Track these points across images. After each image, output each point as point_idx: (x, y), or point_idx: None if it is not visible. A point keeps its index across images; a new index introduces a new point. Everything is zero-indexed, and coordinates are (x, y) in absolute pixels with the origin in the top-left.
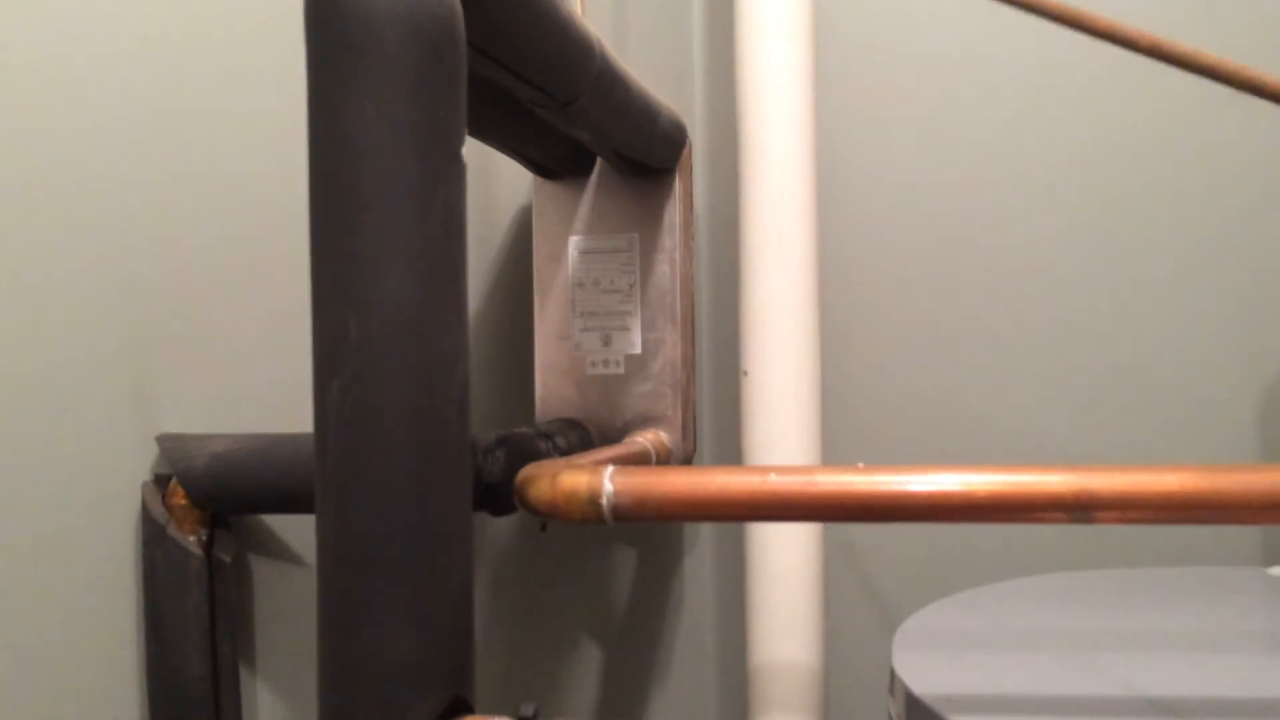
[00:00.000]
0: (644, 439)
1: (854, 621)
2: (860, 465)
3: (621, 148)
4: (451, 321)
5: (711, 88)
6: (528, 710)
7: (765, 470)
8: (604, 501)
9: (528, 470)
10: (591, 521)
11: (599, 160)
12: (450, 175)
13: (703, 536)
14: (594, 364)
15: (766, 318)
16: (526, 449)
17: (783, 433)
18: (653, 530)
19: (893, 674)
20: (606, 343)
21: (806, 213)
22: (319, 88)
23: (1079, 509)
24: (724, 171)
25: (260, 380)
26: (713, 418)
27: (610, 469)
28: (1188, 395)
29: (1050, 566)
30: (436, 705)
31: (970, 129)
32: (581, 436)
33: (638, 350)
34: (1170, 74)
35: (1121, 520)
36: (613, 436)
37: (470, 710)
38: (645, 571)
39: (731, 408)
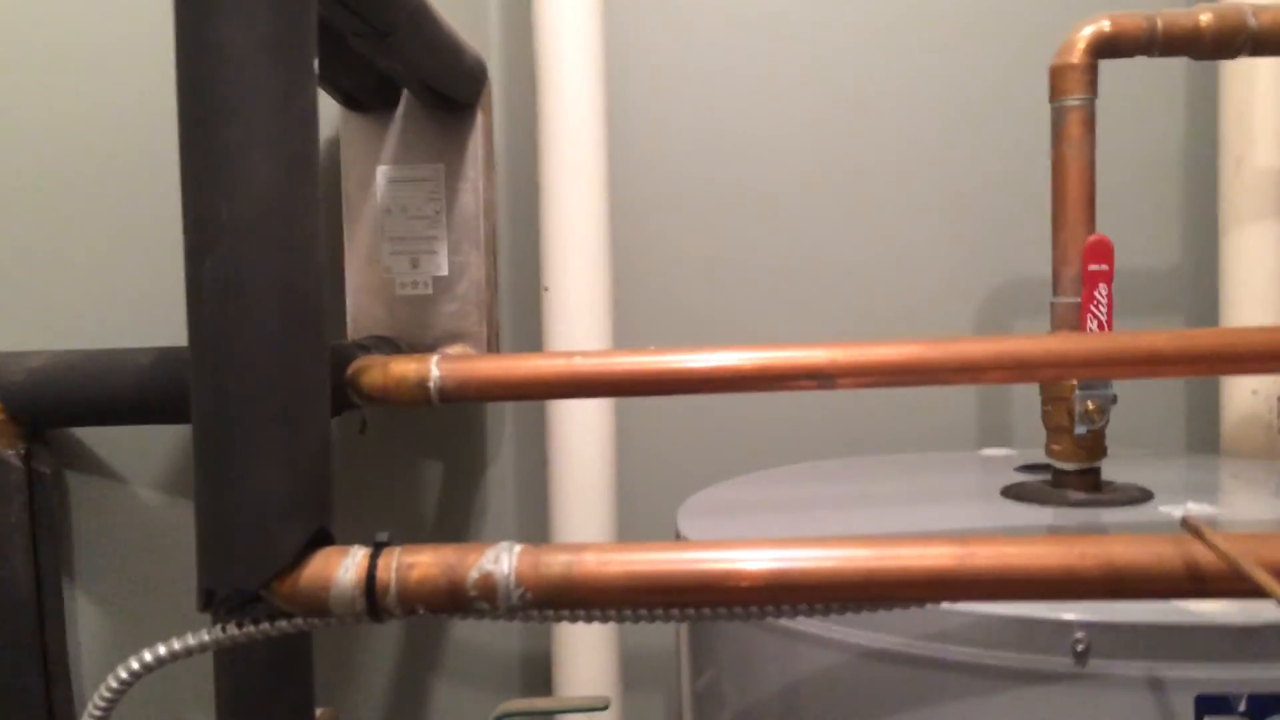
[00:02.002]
0: (453, 351)
1: (642, 510)
2: (651, 348)
3: (430, 81)
4: (310, 208)
5: (507, 26)
6: (382, 537)
7: (571, 354)
8: (431, 385)
9: (360, 361)
10: (420, 404)
11: (404, 94)
12: (306, 82)
13: (505, 447)
14: (403, 285)
15: (564, 239)
16: (349, 354)
17: (581, 340)
18: (458, 442)
19: (677, 534)
20: (415, 265)
21: (598, 143)
22: (188, 4)
23: (824, 376)
24: (520, 107)
25: (82, 299)
26: (512, 333)
27: (436, 356)
28: (915, 304)
29: (808, 457)
30: (305, 534)
31: (746, 74)
32: (393, 350)
33: (445, 272)
34: (915, 36)
35: (856, 385)
36: (423, 352)
37: (332, 541)
38: (451, 483)
39: (529, 323)
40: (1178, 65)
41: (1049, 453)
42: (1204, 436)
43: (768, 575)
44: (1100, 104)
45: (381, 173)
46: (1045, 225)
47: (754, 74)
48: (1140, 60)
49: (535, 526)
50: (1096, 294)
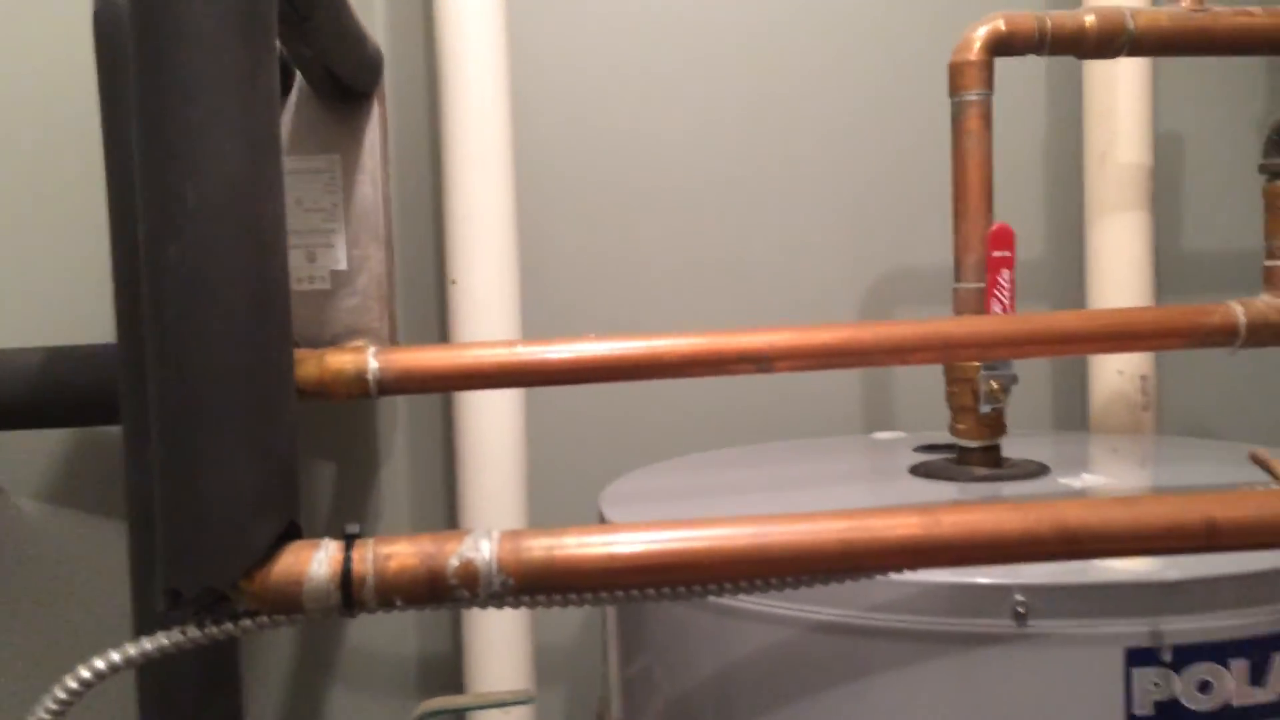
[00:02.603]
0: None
1: (557, 501)
2: (591, 335)
3: (336, 68)
4: (275, 191)
5: (395, 16)
6: (353, 529)
7: (512, 343)
8: (370, 377)
9: (294, 354)
10: (357, 396)
11: (297, 84)
12: (270, 60)
13: (398, 445)
14: (299, 280)
15: (472, 231)
16: None
17: (490, 333)
18: (348, 441)
19: (601, 517)
20: (311, 259)
21: (504, 136)
22: None
23: (764, 360)
24: (412, 97)
25: None
26: (408, 328)
27: (372, 349)
28: (807, 295)
29: (702, 446)
30: (276, 528)
31: (648, 70)
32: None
33: (343, 266)
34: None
35: (793, 368)
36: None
37: (301, 534)
38: (342, 484)
39: (427, 318)
40: (1039, 65)
41: (954, 432)
42: (1069, 416)
43: (748, 550)
44: None
45: None
46: (929, 218)
47: (656, 71)
48: (1007, 61)
49: (433, 526)
50: (1000, 279)
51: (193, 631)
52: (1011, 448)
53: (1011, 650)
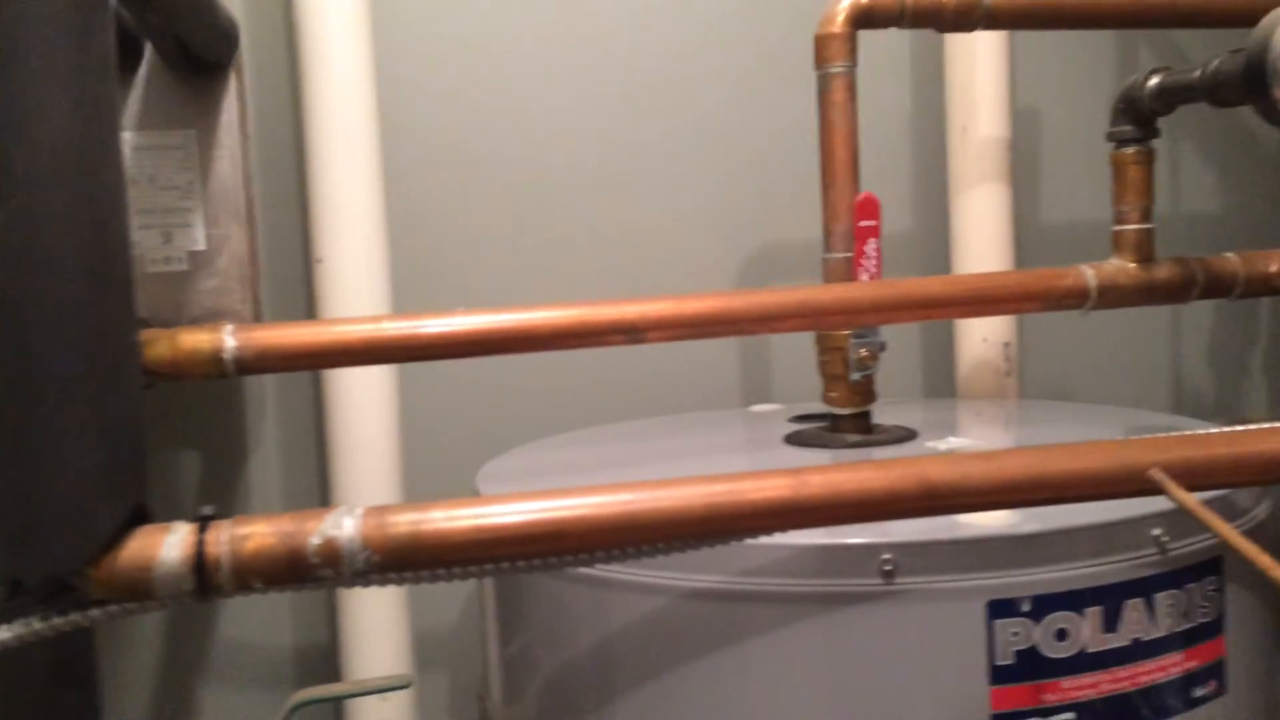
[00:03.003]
0: None
1: (438, 481)
2: (460, 310)
3: (187, 38)
4: (112, 159)
5: None
6: (207, 510)
7: (378, 318)
8: (227, 356)
9: (144, 334)
10: (214, 377)
11: (147, 56)
12: (104, 23)
13: (268, 430)
14: (154, 261)
15: (337, 208)
16: None
17: (358, 311)
18: (215, 427)
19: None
20: (167, 240)
21: (369, 110)
22: None
23: (635, 330)
24: (271, 71)
25: None
26: (276, 310)
27: (230, 326)
28: (684, 264)
29: (582, 422)
30: (123, 512)
31: (520, 44)
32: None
33: (202, 246)
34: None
35: (665, 338)
36: None
37: (149, 518)
38: (209, 471)
39: (293, 299)
40: (904, 39)
41: (826, 400)
42: (939, 384)
43: (616, 518)
44: None
45: (125, 139)
46: (805, 190)
47: (530, 43)
48: (873, 34)
49: None
50: (866, 248)
51: (37, 623)
52: (883, 415)
53: (880, 607)
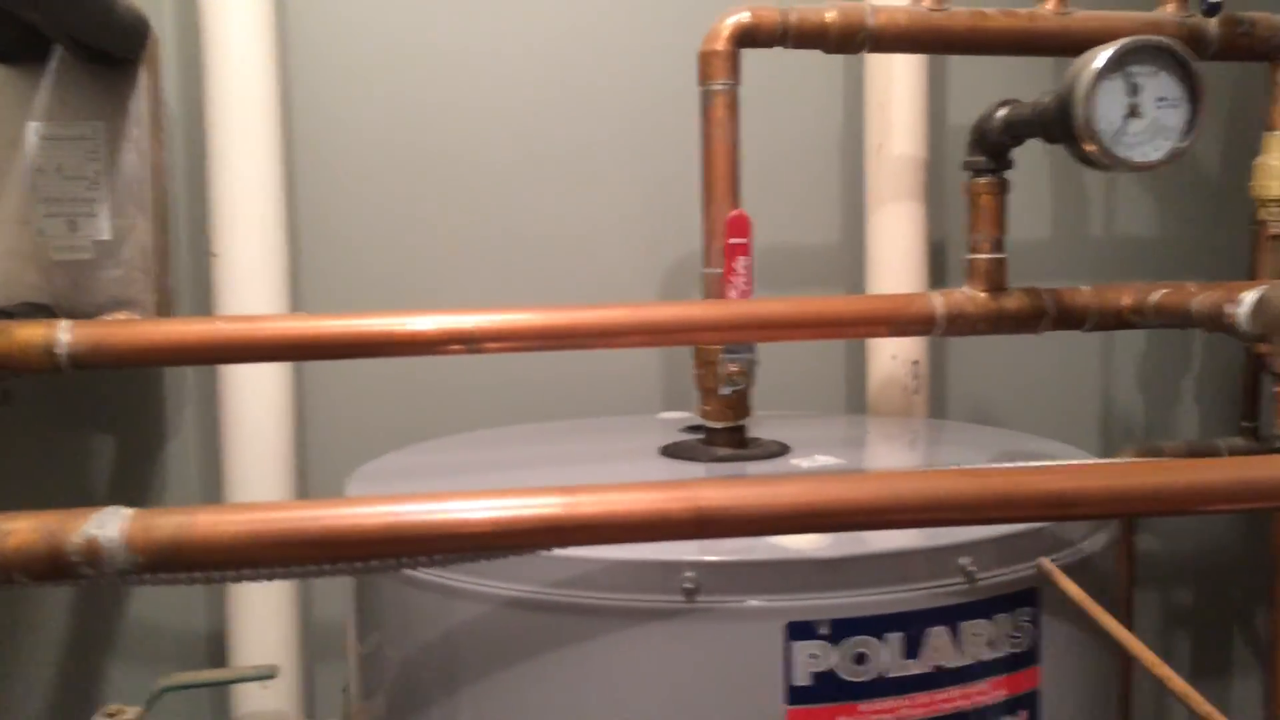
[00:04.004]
0: (119, 319)
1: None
2: (304, 313)
3: (78, 34)
4: None
5: None
6: None
7: (213, 319)
8: (60, 351)
9: None
10: (49, 371)
11: (58, 47)
12: None
13: (187, 419)
14: (59, 249)
15: (233, 203)
16: None
17: (253, 307)
18: (132, 414)
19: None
20: (73, 228)
21: (270, 104)
22: None
23: (472, 340)
24: (194, 65)
25: None
26: (193, 301)
27: (66, 321)
28: (605, 276)
29: (506, 422)
30: None
31: (441, 43)
32: (48, 317)
33: (107, 236)
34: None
35: (502, 349)
36: (83, 319)
37: None
38: (125, 459)
39: (202, 290)
40: (838, 60)
41: (701, 413)
42: (860, 400)
43: (380, 529)
44: (771, 92)
45: (33, 129)
46: None
47: (448, 42)
48: (804, 55)
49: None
50: (736, 265)
51: None
52: (773, 429)
53: (682, 625)
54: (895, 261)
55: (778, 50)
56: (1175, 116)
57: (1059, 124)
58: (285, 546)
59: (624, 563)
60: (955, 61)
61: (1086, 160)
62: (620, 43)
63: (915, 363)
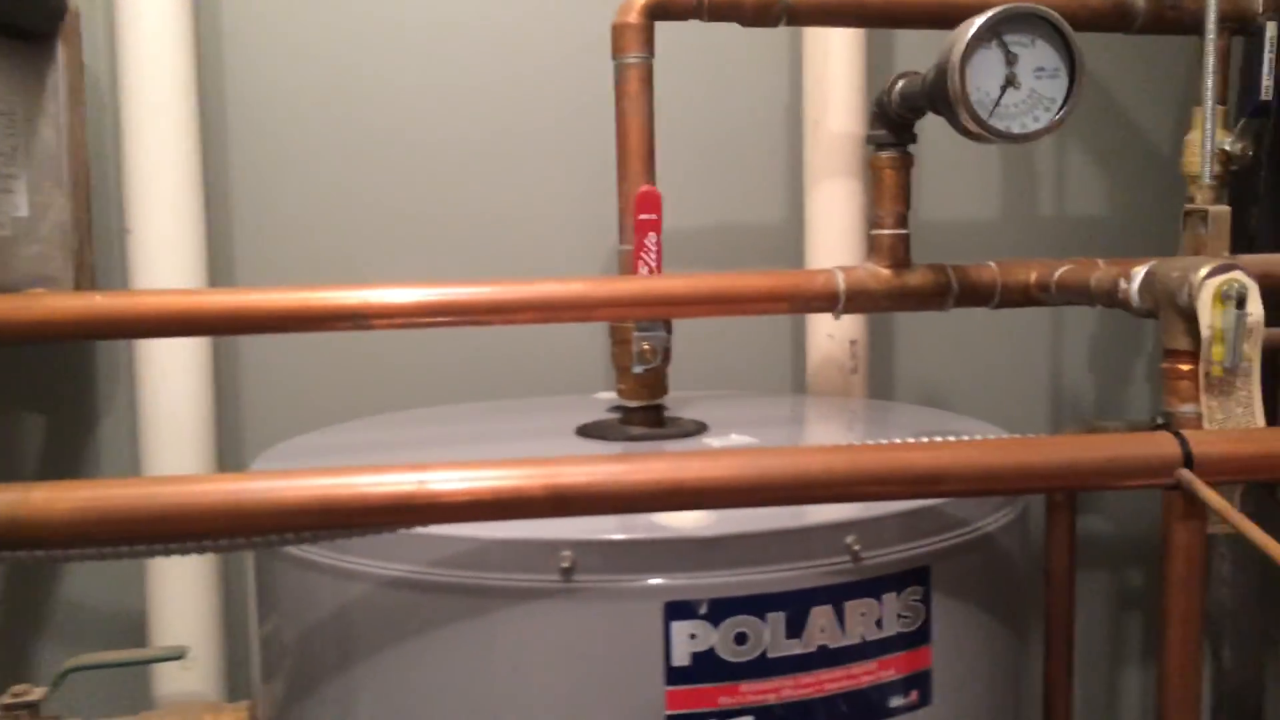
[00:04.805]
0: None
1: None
2: (181, 288)
3: None
4: None
5: None
6: None
7: (92, 294)
8: None
9: None
10: None
11: None
12: None
13: (120, 395)
14: None
15: (146, 178)
16: None
17: (167, 283)
18: (64, 390)
19: None
20: None
21: (184, 77)
22: None
23: (359, 317)
24: (107, 38)
25: None
26: (121, 279)
27: None
28: (545, 255)
29: (448, 400)
30: None
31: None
32: None
33: (24, 213)
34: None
35: (390, 326)
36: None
37: None
38: (56, 437)
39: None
40: (782, 33)
41: (619, 392)
42: (804, 381)
43: (215, 506)
44: (712, 68)
45: None
46: (668, 184)
47: (381, 11)
48: (746, 29)
49: None
50: (646, 242)
51: None
52: (697, 408)
53: (560, 604)
54: (833, 240)
55: (726, 24)
56: (1053, 87)
57: (939, 95)
58: (122, 524)
59: (502, 541)
60: (899, 36)
61: (966, 132)
62: (565, 16)
63: (853, 342)
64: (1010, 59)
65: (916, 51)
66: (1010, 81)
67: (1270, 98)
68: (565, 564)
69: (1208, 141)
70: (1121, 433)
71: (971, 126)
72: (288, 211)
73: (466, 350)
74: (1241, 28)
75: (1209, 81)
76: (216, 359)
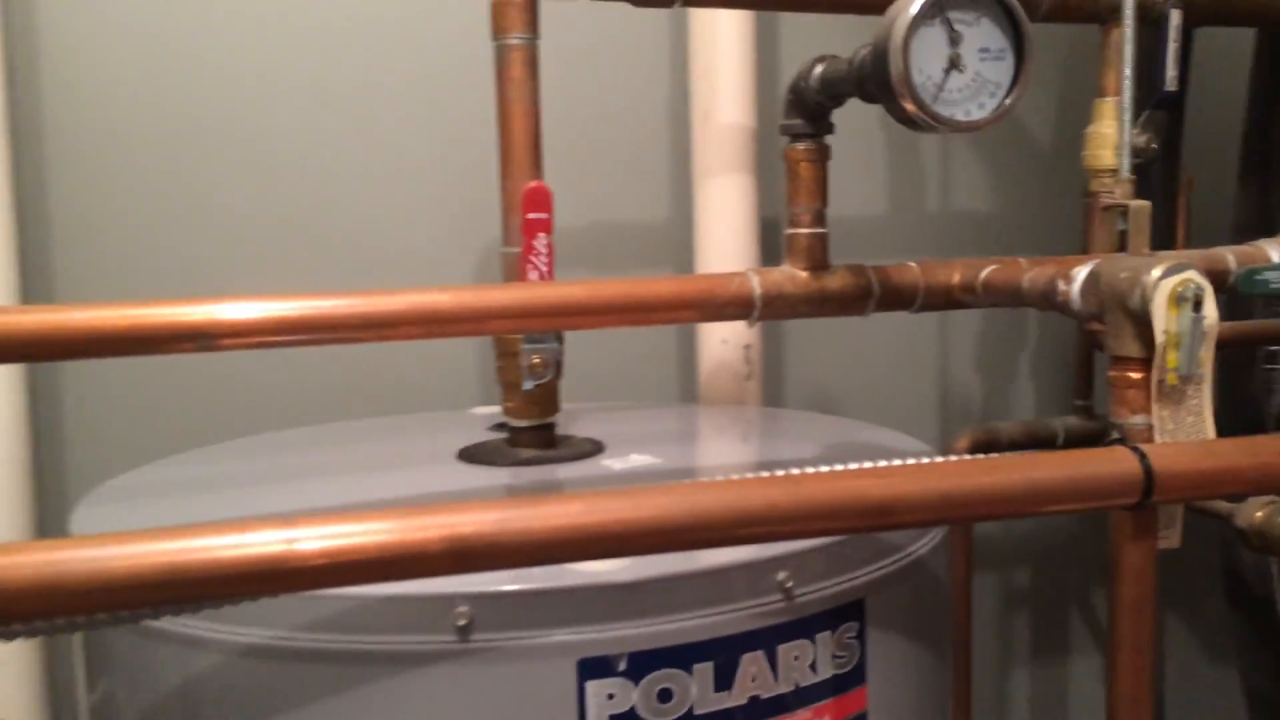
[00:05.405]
0: None
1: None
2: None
3: None
4: None
5: None
6: None
7: None
8: None
9: None
10: None
11: None
12: None
13: None
14: None
15: None
16: None
17: None
18: None
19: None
20: None
21: None
22: None
23: (204, 338)
24: None
25: None
26: None
27: None
28: (412, 258)
29: (310, 420)
30: None
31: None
32: None
33: None
34: None
35: (242, 345)
36: None
37: None
38: None
39: None
40: (663, 19)
41: (505, 410)
42: (693, 387)
43: (36, 582)
44: (589, 54)
45: None
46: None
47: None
48: (638, 14)
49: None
50: (536, 243)
51: None
52: (587, 424)
53: (456, 668)
54: (725, 239)
55: (602, 6)
56: (999, 70)
57: (875, 79)
58: None
59: (384, 599)
60: (788, 23)
61: (907, 120)
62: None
63: (748, 347)
64: (954, 38)
65: (802, 48)
66: (954, 64)
67: (1175, 89)
68: (461, 621)
69: (1126, 133)
70: (1018, 435)
71: (915, 113)
72: (118, 215)
73: (327, 364)
74: (1143, 15)
75: (1127, 71)
76: (32, 388)
